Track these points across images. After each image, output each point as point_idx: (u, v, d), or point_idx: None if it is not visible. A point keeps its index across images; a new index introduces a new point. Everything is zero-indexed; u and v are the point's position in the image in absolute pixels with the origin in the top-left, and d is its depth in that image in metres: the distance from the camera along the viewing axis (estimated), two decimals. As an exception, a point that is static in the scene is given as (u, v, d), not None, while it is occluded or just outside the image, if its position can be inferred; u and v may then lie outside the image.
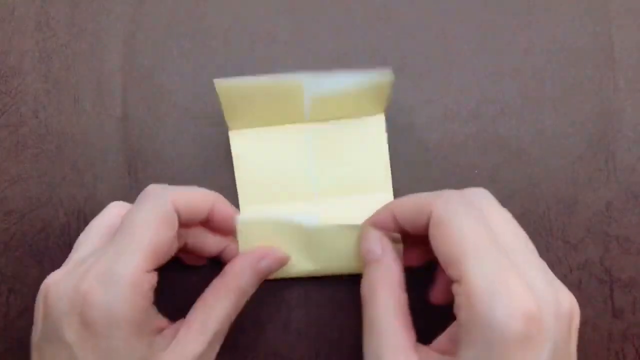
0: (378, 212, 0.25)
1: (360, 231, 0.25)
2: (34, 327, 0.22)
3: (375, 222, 0.25)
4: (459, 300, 0.20)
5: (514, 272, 0.19)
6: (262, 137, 0.28)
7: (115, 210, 0.25)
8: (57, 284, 0.22)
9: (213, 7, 0.30)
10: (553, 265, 0.27)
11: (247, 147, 0.28)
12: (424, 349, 0.22)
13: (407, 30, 0.29)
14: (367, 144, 0.28)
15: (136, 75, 0.29)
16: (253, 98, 0.26)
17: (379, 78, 0.25)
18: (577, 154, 0.29)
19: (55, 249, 0.28)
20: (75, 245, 0.24)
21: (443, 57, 0.29)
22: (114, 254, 0.21)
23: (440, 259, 0.21)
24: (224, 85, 0.25)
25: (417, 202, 0.23)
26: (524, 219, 0.28)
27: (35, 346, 0.22)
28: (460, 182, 0.28)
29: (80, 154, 0.29)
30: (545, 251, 0.28)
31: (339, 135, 0.28)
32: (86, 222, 0.28)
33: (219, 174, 0.29)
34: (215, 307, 0.24)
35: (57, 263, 0.28)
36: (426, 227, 0.22)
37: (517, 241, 0.22)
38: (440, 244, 0.21)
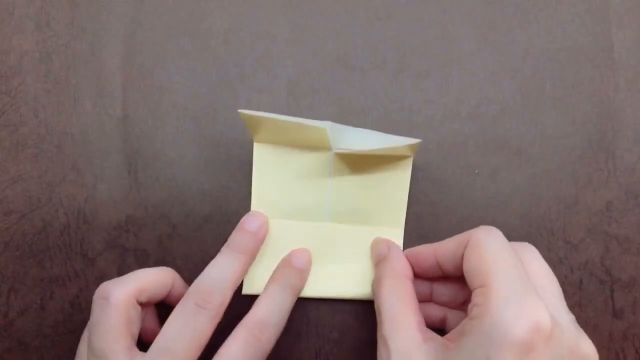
0: (418, 250, 0.26)
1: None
2: None
3: (415, 254, 0.26)
4: (477, 299, 0.21)
5: (537, 295, 0.20)
6: (285, 153, 0.28)
7: (120, 302, 0.25)
8: None
9: (213, 7, 0.30)
10: (554, 266, 0.27)
11: (269, 160, 0.28)
12: (429, 332, 0.23)
13: (407, 30, 0.29)
14: (389, 181, 0.28)
15: (136, 75, 0.29)
16: (278, 129, 0.26)
17: (409, 144, 0.25)
18: (577, 154, 0.29)
19: (55, 249, 0.28)
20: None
21: (443, 57, 0.29)
22: None
23: (468, 274, 0.22)
24: (248, 114, 0.25)
25: (458, 237, 0.24)
26: (524, 219, 0.28)
27: None
28: (460, 182, 0.28)
29: (80, 154, 0.29)
30: (546, 251, 0.28)
31: (363, 166, 0.28)
32: (86, 222, 0.28)
33: (219, 174, 0.29)
34: None
35: (57, 263, 0.28)
36: (462, 264, 0.23)
37: (550, 285, 0.22)
38: (473, 260, 0.22)
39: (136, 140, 0.29)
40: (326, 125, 0.26)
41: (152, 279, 0.25)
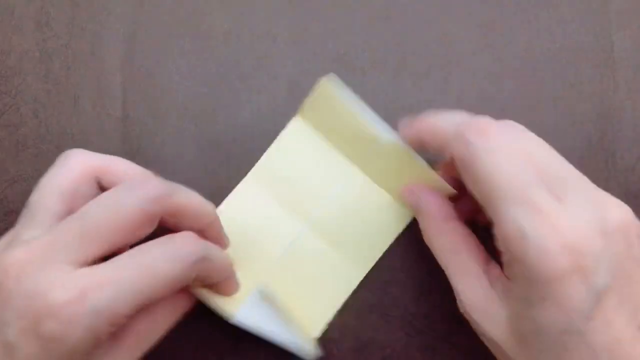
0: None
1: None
2: None
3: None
4: (498, 244, 0.20)
5: (545, 207, 0.19)
6: (314, 143, 0.28)
7: (78, 166, 0.22)
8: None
9: (213, 7, 0.30)
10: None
11: (296, 140, 0.27)
12: (492, 267, 0.23)
13: (407, 30, 0.29)
14: (381, 222, 0.28)
15: (136, 75, 0.29)
16: (339, 116, 0.26)
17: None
18: (577, 154, 0.29)
19: (55, 249, 0.28)
20: (29, 211, 0.22)
21: (443, 57, 0.29)
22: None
23: (477, 201, 0.21)
24: (329, 86, 0.25)
25: (436, 139, 0.23)
26: (524, 219, 0.28)
27: None
28: (460, 182, 0.28)
29: (80, 154, 0.29)
30: (546, 251, 0.28)
31: (367, 194, 0.28)
32: (86, 222, 0.28)
33: (219, 174, 0.29)
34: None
35: (57, 263, 0.28)
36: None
37: (551, 165, 0.21)
38: (471, 188, 0.21)
39: (136, 140, 0.29)
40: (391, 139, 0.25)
41: (124, 168, 0.23)
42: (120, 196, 0.21)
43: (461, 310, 0.23)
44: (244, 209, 0.27)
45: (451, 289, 0.24)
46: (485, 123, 0.21)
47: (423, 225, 0.25)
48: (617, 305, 0.19)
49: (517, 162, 0.20)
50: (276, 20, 0.30)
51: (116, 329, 0.20)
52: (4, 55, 0.29)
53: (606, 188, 0.28)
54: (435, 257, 0.24)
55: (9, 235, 0.22)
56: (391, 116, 0.29)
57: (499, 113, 0.29)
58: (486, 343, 0.23)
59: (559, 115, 0.29)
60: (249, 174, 0.28)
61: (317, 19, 0.30)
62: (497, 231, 0.20)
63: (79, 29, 0.30)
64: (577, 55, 0.29)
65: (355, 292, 0.28)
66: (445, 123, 0.23)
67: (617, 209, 0.20)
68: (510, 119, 0.29)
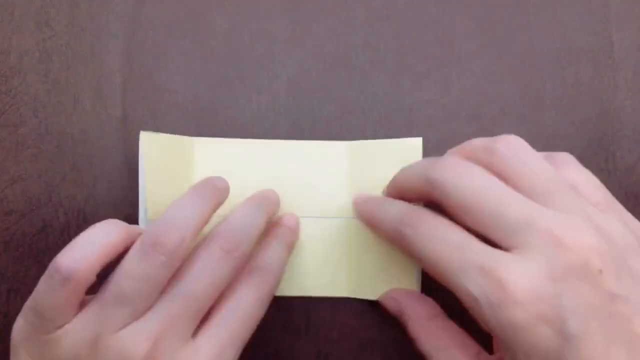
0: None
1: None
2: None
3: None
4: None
5: (489, 266, 0.18)
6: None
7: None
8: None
9: (213, 7, 0.30)
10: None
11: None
12: (486, 357, 0.23)
13: (407, 30, 0.29)
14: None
15: (136, 75, 0.29)
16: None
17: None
18: (577, 154, 0.29)
19: (55, 249, 0.28)
20: None
21: (443, 57, 0.29)
22: None
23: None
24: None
25: (415, 188, 0.23)
26: (524, 219, 0.28)
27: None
28: (461, 182, 0.28)
29: (80, 154, 0.29)
30: (546, 251, 0.28)
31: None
32: (86, 222, 0.28)
33: (219, 174, 0.28)
34: None
35: (57, 263, 0.28)
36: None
37: (503, 214, 0.19)
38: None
39: (136, 141, 0.29)
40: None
41: (113, 243, 0.21)
42: (217, 268, 0.22)
43: None
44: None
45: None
46: (416, 212, 0.22)
47: (411, 329, 0.25)
48: (604, 346, 0.17)
49: (450, 238, 0.20)
50: (276, 20, 0.30)
51: None
52: (4, 55, 0.29)
53: (606, 188, 0.28)
54: (428, 358, 0.24)
55: (97, 317, 0.21)
56: (391, 116, 0.29)
57: (499, 113, 0.29)
58: None
59: (559, 115, 0.29)
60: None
61: (317, 19, 0.30)
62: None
63: (79, 29, 0.30)
64: (577, 55, 0.29)
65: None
66: (412, 174, 0.24)
67: (575, 245, 0.18)
68: (510, 119, 0.29)
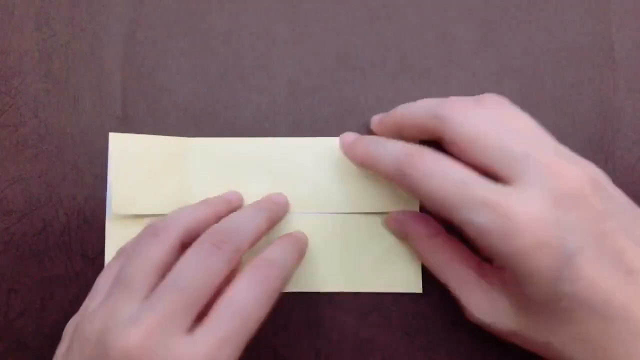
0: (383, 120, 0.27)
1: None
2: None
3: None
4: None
5: (491, 198, 0.20)
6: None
7: (169, 239, 0.23)
8: None
9: (213, 7, 0.30)
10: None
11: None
12: (487, 267, 0.24)
13: (407, 30, 0.29)
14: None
15: (136, 75, 0.29)
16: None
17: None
18: (577, 154, 0.29)
19: (55, 249, 0.28)
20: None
21: (443, 57, 0.29)
22: None
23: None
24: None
25: (421, 129, 0.24)
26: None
27: None
28: (460, 182, 0.28)
29: (80, 154, 0.29)
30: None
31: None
32: (86, 222, 0.28)
33: (219, 174, 0.28)
34: None
35: (57, 263, 0.28)
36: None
37: (502, 147, 0.21)
38: (425, 206, 0.23)
39: (136, 140, 0.29)
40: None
41: (203, 218, 0.24)
42: (208, 262, 0.22)
43: (472, 320, 0.24)
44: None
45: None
46: (417, 150, 0.22)
47: (415, 247, 0.26)
48: (596, 260, 0.19)
49: (453, 174, 0.21)
50: (276, 20, 0.30)
51: None
52: (4, 55, 0.29)
53: (606, 188, 0.28)
54: (434, 275, 0.25)
55: (103, 308, 0.22)
56: (391, 116, 0.29)
57: (499, 113, 0.29)
58: (503, 338, 0.23)
59: (559, 115, 0.29)
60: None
61: (317, 19, 0.30)
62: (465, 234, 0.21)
63: (79, 29, 0.30)
64: (577, 55, 0.29)
65: (356, 292, 0.28)
66: (418, 110, 0.24)
67: (568, 175, 0.20)
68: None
